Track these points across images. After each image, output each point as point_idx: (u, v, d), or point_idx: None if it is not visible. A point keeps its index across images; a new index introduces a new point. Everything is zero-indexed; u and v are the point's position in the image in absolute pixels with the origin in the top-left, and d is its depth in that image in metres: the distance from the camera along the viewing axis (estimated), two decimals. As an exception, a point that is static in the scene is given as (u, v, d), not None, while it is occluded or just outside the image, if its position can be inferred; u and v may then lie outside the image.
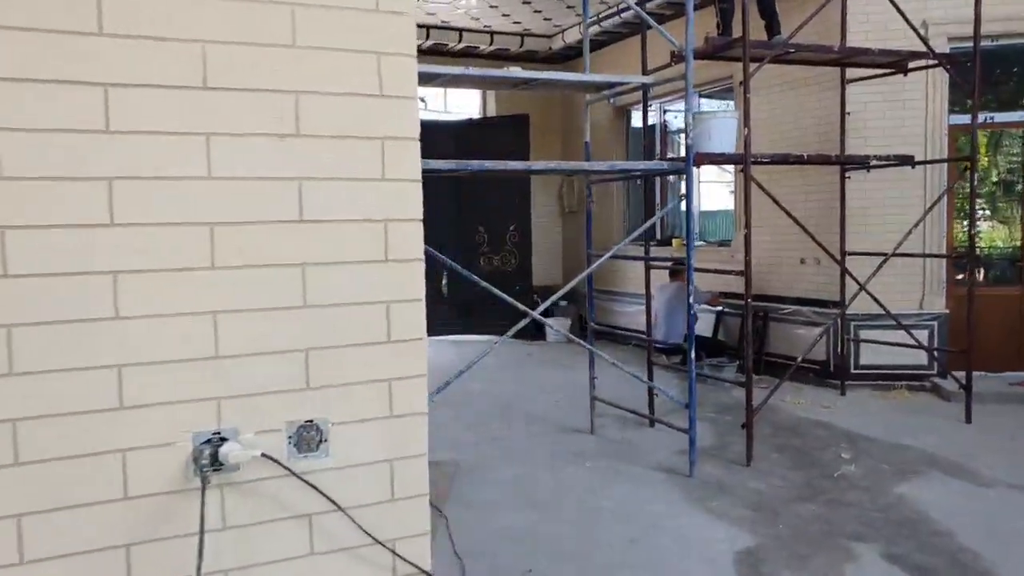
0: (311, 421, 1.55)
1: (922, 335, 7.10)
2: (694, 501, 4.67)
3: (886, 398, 7.02)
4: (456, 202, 10.53)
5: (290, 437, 1.55)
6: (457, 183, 10.23)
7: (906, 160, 6.35)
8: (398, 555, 1.59)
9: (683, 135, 5.65)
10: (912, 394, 7.08)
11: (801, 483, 4.95)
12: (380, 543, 1.56)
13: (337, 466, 1.57)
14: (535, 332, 10.26)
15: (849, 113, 7.03)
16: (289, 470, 1.49)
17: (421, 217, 1.62)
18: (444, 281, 10.59)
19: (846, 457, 5.42)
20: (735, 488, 4.88)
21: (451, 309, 10.77)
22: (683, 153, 4.95)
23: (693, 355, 5.11)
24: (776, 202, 5.33)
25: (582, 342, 5.64)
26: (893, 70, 6.48)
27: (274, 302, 1.53)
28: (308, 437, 1.54)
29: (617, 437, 5.98)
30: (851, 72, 6.95)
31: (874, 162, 6.39)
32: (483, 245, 10.49)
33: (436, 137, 10.28)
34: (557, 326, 10.37)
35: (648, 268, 6.30)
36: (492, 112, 11.14)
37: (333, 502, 1.52)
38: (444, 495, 4.82)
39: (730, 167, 8.58)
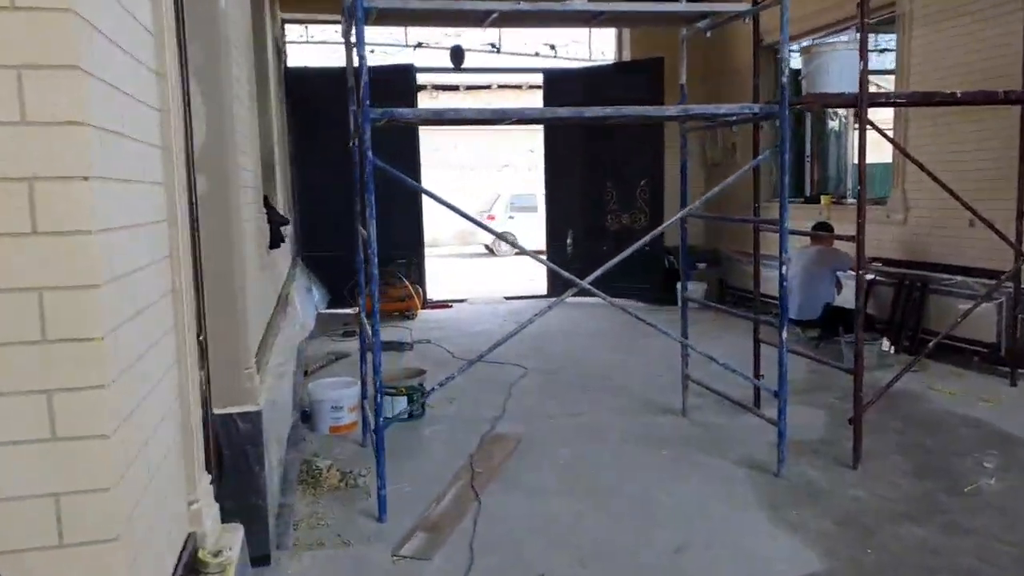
0: (-65, 439, 1.23)
1: None
2: (771, 507, 3.96)
3: (1071, 394, 5.71)
4: (583, 156, 9.97)
5: (-95, 457, 1.24)
6: (584, 136, 9.68)
7: (1110, 96, 4.97)
8: (66, 617, 1.24)
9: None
10: (1109, 391, 5.70)
11: (917, 496, 4.06)
12: (35, 601, 1.22)
13: (-25, 498, 1.25)
14: (663, 297, 9.55)
15: (1039, 39, 5.64)
16: None
17: (95, 174, 1.21)
18: (569, 240, 10.10)
19: (988, 467, 4.40)
20: (828, 495, 4.09)
21: (577, 270, 10.25)
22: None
23: (785, 333, 4.31)
24: (898, 147, 4.36)
25: (647, 319, 4.98)
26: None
27: None
28: (-68, 459, 1.22)
29: (709, 422, 5.29)
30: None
31: (1066, 100, 5.06)
32: (611, 202, 9.85)
33: (561, 85, 9.74)
34: (692, 291, 9.63)
35: (756, 232, 5.46)
36: (629, 57, 10.32)
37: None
38: (493, 472, 4.47)
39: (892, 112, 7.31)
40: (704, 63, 9.66)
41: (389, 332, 8.22)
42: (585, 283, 4.18)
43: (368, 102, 3.61)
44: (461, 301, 10.26)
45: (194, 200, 2.94)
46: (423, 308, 9.31)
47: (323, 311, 9.06)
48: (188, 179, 2.91)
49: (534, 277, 12.22)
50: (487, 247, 17.86)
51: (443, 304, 9.82)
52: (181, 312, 1.77)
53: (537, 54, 10.38)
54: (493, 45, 10.03)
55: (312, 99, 8.85)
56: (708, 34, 4.75)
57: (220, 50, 3.00)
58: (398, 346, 7.40)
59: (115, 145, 1.36)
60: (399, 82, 9.14)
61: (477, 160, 19.83)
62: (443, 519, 3.88)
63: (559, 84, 9.81)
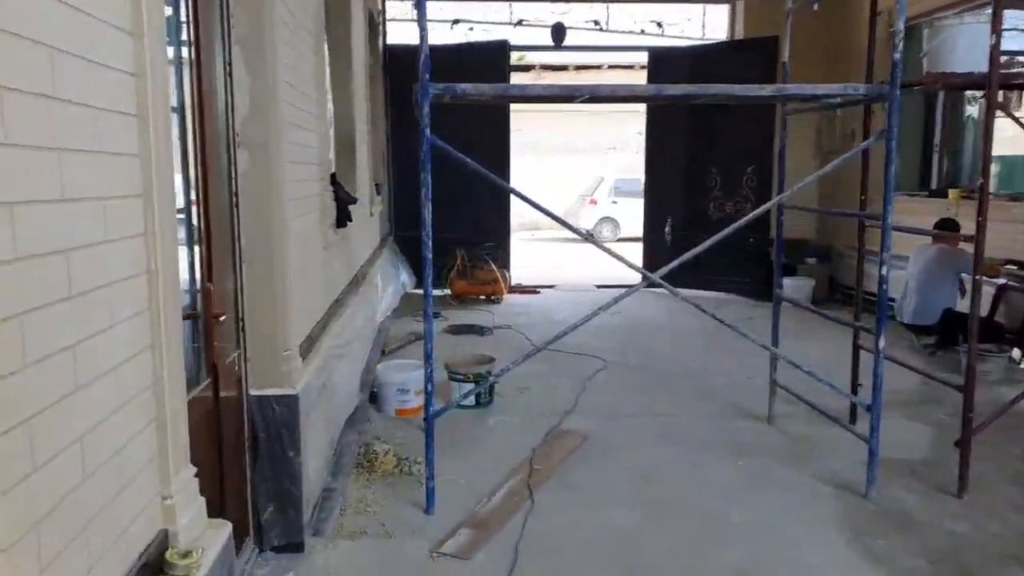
0: None
1: None
2: (855, 532, 3.56)
3: None
4: (687, 140, 9.50)
5: None
6: (688, 119, 9.22)
7: None
8: None
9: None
10: None
11: (1031, 536, 3.55)
12: None
13: None
14: (767, 293, 8.96)
15: None
16: None
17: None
18: (668, 228, 9.66)
19: (1124, 509, 3.80)
20: (924, 526, 3.63)
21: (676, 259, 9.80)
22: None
23: (882, 340, 3.84)
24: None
25: (705, 307, 4.58)
26: None
27: None
28: None
29: (797, 432, 4.86)
30: None
31: None
32: (715, 189, 9.32)
33: (667, 64, 9.29)
34: (793, 288, 9.01)
35: (861, 227, 4.96)
36: (742, 36, 9.72)
37: None
38: (553, 471, 4.25)
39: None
40: (828, 43, 8.96)
41: (472, 316, 8.12)
42: (656, 276, 3.87)
43: (428, 76, 3.43)
44: (550, 287, 10.02)
45: (233, 176, 2.86)
46: (508, 293, 9.14)
47: (411, 291, 9.06)
48: (228, 155, 2.82)
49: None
50: (588, 232, 17.50)
51: (530, 290, 9.62)
52: (157, 294, 1.65)
53: (643, 32, 9.91)
54: (596, 23, 9.65)
55: (408, 76, 8.80)
56: (816, 7, 4.29)
57: (266, 20, 2.88)
58: (478, 330, 7.28)
59: (40, 108, 1.23)
60: (492, 59, 8.96)
61: (581, 143, 19.41)
62: (491, 517, 3.71)
63: (665, 63, 9.36)
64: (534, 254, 14.59)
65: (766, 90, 3.74)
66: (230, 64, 2.80)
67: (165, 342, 1.69)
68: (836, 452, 4.47)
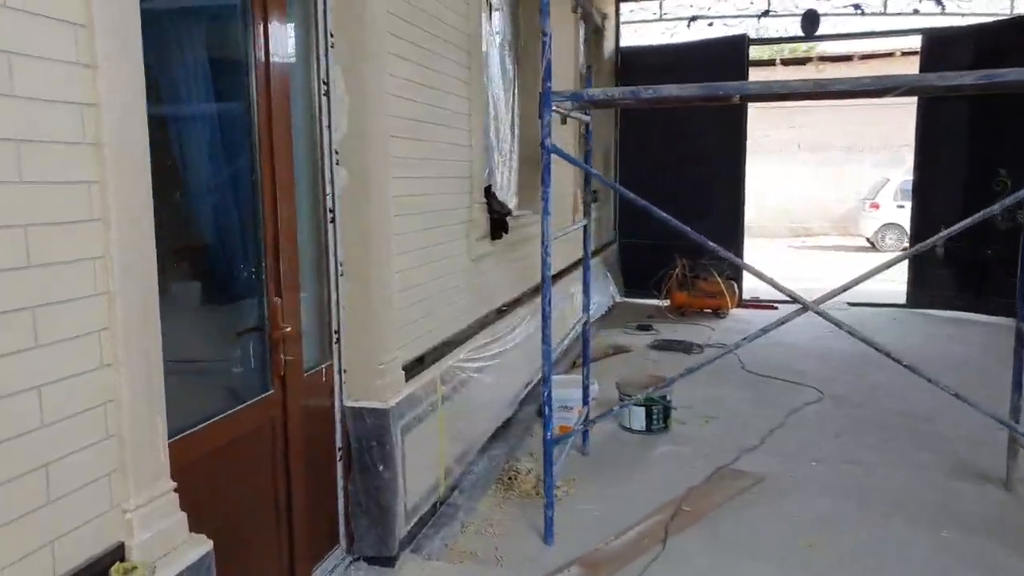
0: None
1: None
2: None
3: None
4: (968, 135, 8.05)
5: None
6: (970, 109, 7.85)
7: None
8: None
9: None
10: None
11: None
12: None
13: None
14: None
15: None
16: None
17: None
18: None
19: None
20: None
21: (950, 277, 8.34)
22: None
23: None
24: None
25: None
26: None
27: None
28: None
29: (1042, 505, 3.84)
30: None
31: None
32: (1003, 194, 7.72)
33: (946, 47, 8.00)
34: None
35: None
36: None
37: None
38: (702, 515, 3.83)
39: None
40: None
41: (687, 331, 7.64)
42: (816, 306, 3.29)
43: (549, 84, 3.24)
44: (790, 302, 9.06)
45: (330, 192, 2.95)
46: (738, 307, 8.44)
47: (620, 300, 8.94)
48: (320, 172, 2.91)
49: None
50: (868, 240, 15.60)
51: (766, 304, 8.77)
52: (116, 315, 1.73)
53: (916, 12, 8.49)
54: (857, 7, 8.46)
55: (643, 78, 8.53)
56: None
57: (369, 41, 2.92)
58: (685, 348, 6.80)
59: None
60: (729, 56, 8.34)
61: (869, 140, 17.36)
62: (611, 558, 3.42)
63: (943, 46, 8.01)
64: (798, 263, 13.43)
65: (968, 77, 2.96)
66: (327, 83, 2.89)
67: (125, 360, 1.76)
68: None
